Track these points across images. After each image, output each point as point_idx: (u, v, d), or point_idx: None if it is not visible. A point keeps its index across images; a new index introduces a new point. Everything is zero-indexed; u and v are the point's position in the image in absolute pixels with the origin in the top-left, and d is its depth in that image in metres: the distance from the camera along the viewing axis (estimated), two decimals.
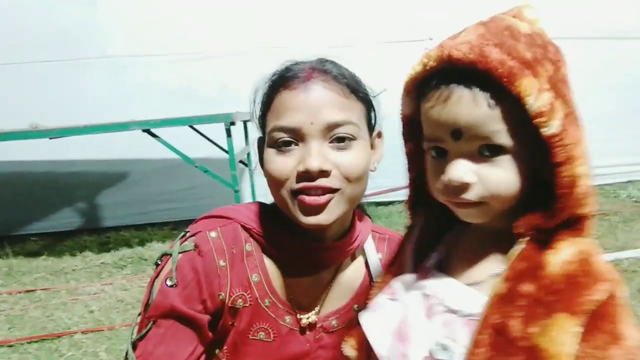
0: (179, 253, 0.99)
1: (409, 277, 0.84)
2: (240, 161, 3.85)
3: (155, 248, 3.93)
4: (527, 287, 0.69)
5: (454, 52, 0.69)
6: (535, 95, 0.67)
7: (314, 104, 0.95)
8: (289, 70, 1.00)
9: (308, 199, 0.93)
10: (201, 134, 3.89)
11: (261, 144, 1.06)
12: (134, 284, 3.28)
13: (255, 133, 1.09)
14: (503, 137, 0.69)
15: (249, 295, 1.03)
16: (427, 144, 0.77)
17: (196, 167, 3.31)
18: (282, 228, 1.04)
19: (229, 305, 1.01)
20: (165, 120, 3.30)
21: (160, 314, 0.96)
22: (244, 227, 1.05)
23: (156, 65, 4.44)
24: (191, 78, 4.40)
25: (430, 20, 4.39)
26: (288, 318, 1.06)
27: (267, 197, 1.07)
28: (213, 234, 1.02)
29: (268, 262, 1.06)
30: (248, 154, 4.14)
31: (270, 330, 1.05)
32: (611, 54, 4.82)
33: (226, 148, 3.53)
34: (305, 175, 0.93)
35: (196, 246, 0.99)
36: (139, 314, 1.01)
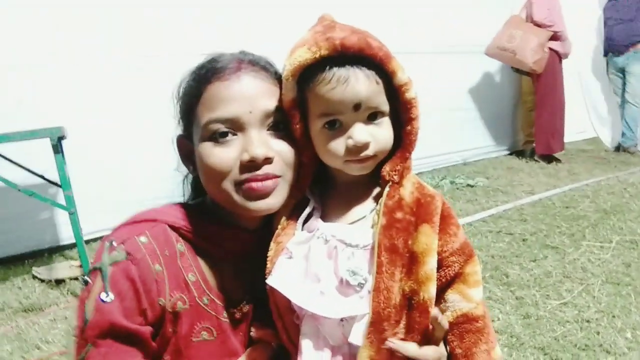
0: (110, 265, 0.93)
1: (302, 236, 1.00)
2: (49, 181, 3.32)
3: None
4: (398, 215, 0.95)
5: (347, 42, 0.90)
6: (401, 71, 0.93)
7: (249, 93, 0.97)
8: (216, 62, 1.01)
9: (256, 184, 0.96)
10: (3, 157, 3.24)
11: (182, 140, 1.08)
12: None
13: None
14: (384, 105, 0.94)
15: (188, 296, 1.01)
16: (321, 119, 0.95)
17: (19, 190, 2.83)
18: (210, 223, 1.05)
19: (170, 310, 0.98)
20: None
21: (98, 333, 0.90)
22: (172, 227, 1.02)
23: None
24: None
25: None
26: (225, 313, 1.06)
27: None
28: (143, 239, 0.98)
29: (201, 260, 1.05)
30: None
31: (212, 329, 1.04)
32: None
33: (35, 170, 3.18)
34: (250, 164, 0.96)
35: (128, 254, 0.95)
36: (74, 338, 0.93)
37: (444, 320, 0.94)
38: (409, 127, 0.97)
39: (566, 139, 6.40)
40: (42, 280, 3.24)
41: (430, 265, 0.93)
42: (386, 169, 0.98)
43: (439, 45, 5.74)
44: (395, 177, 0.97)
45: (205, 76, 0.99)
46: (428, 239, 0.94)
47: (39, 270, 3.35)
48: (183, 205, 1.10)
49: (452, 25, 5.83)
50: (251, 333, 1.07)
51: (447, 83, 5.88)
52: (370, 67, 0.90)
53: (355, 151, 0.93)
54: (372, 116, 0.94)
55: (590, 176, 5.48)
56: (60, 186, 2.99)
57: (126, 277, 0.93)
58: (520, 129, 6.82)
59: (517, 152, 6.76)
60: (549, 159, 6.20)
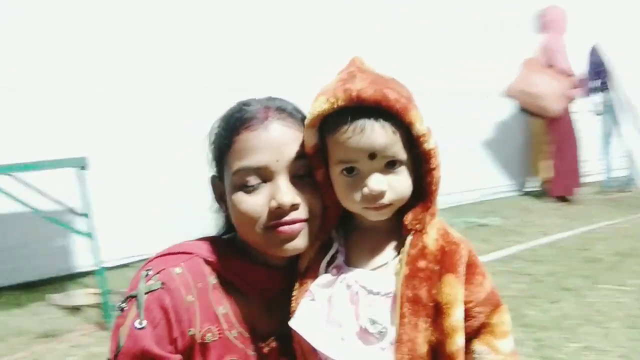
0: (145, 293, 0.97)
1: (325, 278, 1.01)
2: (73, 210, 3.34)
3: None
4: (421, 264, 0.95)
5: (363, 94, 0.91)
6: (419, 122, 0.93)
7: (277, 142, 1.01)
8: (244, 111, 1.04)
9: (283, 228, 1.00)
10: (29, 185, 3.25)
11: (216, 181, 1.12)
12: None
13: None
14: (401, 154, 0.95)
15: (217, 328, 1.03)
16: (339, 166, 0.97)
17: (43, 217, 2.92)
18: (240, 258, 1.08)
19: (199, 341, 1.00)
20: (4, 167, 2.81)
21: (131, 359, 0.93)
22: (205, 261, 1.06)
23: None
24: None
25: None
26: (254, 347, 1.08)
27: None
28: (178, 270, 1.02)
29: (232, 294, 1.07)
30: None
31: None
32: None
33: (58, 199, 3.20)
34: (278, 211, 1.00)
35: (163, 284, 0.98)
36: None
37: None
38: (428, 178, 0.97)
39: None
40: (62, 307, 3.26)
41: (455, 316, 0.92)
42: (408, 217, 0.98)
43: (454, 85, 5.83)
44: (418, 226, 0.98)
45: (235, 126, 1.03)
46: (452, 290, 0.93)
47: (55, 297, 3.37)
48: (216, 240, 1.13)
49: (467, 67, 5.93)
50: None
51: (462, 122, 5.95)
52: (388, 117, 0.91)
53: (371, 199, 0.94)
54: (390, 164, 0.94)
55: (605, 218, 5.46)
56: (83, 215, 3.05)
57: (160, 305, 0.96)
58: (532, 170, 6.84)
59: (529, 193, 6.76)
60: (564, 200, 6.20)
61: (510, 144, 6.79)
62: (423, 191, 0.99)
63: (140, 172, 4.00)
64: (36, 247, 3.79)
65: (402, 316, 0.92)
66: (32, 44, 3.71)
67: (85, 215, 2.97)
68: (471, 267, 0.97)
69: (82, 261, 3.77)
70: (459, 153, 5.86)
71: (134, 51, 4.05)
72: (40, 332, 2.93)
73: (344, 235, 1.06)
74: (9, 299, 3.53)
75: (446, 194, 5.84)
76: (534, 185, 6.82)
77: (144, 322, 0.94)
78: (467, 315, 0.96)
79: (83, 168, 3.00)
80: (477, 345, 0.97)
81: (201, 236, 1.16)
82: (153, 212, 3.94)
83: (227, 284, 1.07)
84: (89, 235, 2.95)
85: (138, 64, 4.05)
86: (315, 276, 1.02)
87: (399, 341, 0.91)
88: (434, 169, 0.96)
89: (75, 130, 3.73)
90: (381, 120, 0.91)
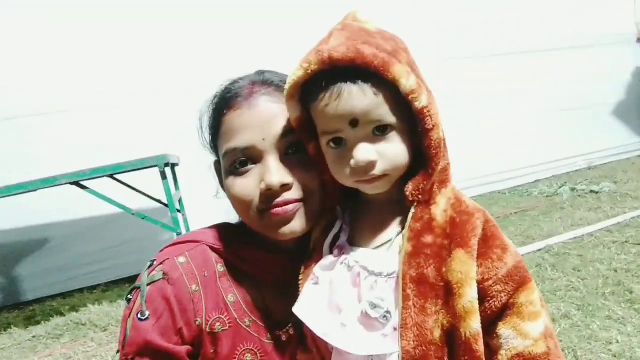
0: (148, 284, 0.96)
1: (327, 260, 0.92)
2: (160, 201, 3.61)
3: (93, 311, 3.58)
4: (427, 239, 0.84)
5: (334, 54, 0.79)
6: (405, 77, 0.80)
7: (261, 119, 0.94)
8: (229, 91, 0.99)
9: (276, 210, 0.94)
10: (123, 183, 3.57)
11: (218, 166, 1.07)
12: (77, 350, 2.96)
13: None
14: (389, 117, 0.82)
15: (227, 318, 1.00)
16: (325, 138, 0.87)
17: (133, 214, 3.10)
18: (251, 244, 1.04)
19: (207, 330, 0.97)
20: (96, 169, 3.05)
21: (135, 351, 0.92)
22: (212, 248, 1.03)
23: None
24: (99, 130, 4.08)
25: None
26: (270, 335, 1.04)
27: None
28: (181, 259, 0.99)
29: (242, 281, 1.03)
30: (180, 200, 3.83)
31: (256, 351, 1.02)
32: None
33: (154, 196, 3.47)
34: (269, 193, 0.94)
35: (165, 274, 0.96)
36: (117, 352, 0.96)
37: None
38: (426, 141, 0.83)
39: None
40: None
41: (468, 297, 0.80)
42: (409, 188, 0.86)
43: (554, 41, 5.38)
44: (421, 197, 0.86)
45: (220, 106, 0.99)
46: (464, 267, 0.80)
47: None
48: (226, 226, 1.10)
49: (567, 20, 5.44)
50: (297, 357, 1.04)
51: (562, 81, 5.47)
52: (368, 76, 0.80)
53: (360, 171, 0.84)
54: (379, 130, 0.83)
55: None
56: (177, 211, 3.26)
57: (162, 296, 0.94)
58: None
59: None
60: None
61: (628, 100, 6.12)
62: (424, 157, 0.85)
63: None
64: (139, 243, 4.11)
65: (405, 298, 0.81)
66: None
67: (171, 209, 3.14)
68: (488, 240, 0.83)
69: None
70: (566, 114, 5.43)
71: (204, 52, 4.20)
72: None
73: (351, 212, 0.97)
74: (117, 291, 3.88)
75: (553, 161, 5.50)
76: None
77: (147, 313, 0.93)
78: (486, 295, 0.82)
79: (167, 165, 3.17)
80: (502, 329, 0.83)
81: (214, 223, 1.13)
82: None
83: (237, 272, 1.03)
84: (174, 229, 3.13)
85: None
86: (319, 258, 0.94)
87: (403, 326, 0.80)
88: (430, 129, 0.82)
89: (160, 130, 3.97)
90: (359, 82, 0.79)
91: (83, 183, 3.03)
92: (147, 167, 3.13)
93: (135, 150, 3.62)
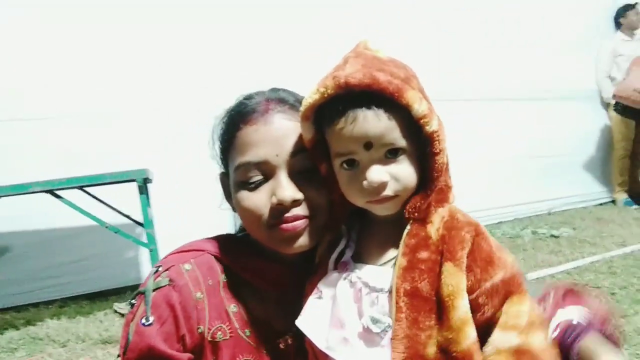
0: (153, 290, 0.96)
1: (331, 275, 0.96)
2: (135, 221, 3.55)
3: (51, 326, 3.45)
4: (422, 255, 0.88)
5: (351, 80, 0.85)
6: (418, 102, 0.86)
7: (276, 135, 0.98)
8: (245, 105, 1.02)
9: (286, 226, 0.97)
10: (93, 197, 3.48)
11: (224, 179, 1.10)
12: None
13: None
14: (400, 141, 0.88)
15: (228, 327, 1.01)
16: (338, 159, 0.92)
17: (106, 227, 3.05)
18: (253, 255, 1.06)
19: (209, 339, 0.99)
20: (72, 179, 3.00)
21: (137, 356, 0.93)
22: (215, 257, 1.05)
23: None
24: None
25: None
26: (269, 346, 1.06)
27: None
28: (187, 267, 1.01)
29: (244, 291, 1.05)
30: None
31: None
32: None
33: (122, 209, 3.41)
34: (279, 207, 0.96)
35: (171, 280, 0.98)
36: (118, 356, 0.97)
37: None
38: (431, 163, 0.90)
39: None
40: (122, 315, 3.40)
41: (462, 309, 0.84)
42: (407, 206, 0.92)
43: (517, 91, 5.61)
44: (417, 215, 0.91)
45: (235, 120, 1.02)
46: (453, 280, 0.85)
47: (120, 306, 3.54)
48: (229, 237, 1.13)
49: (531, 71, 5.69)
50: None
51: (530, 130, 5.69)
52: (382, 102, 0.85)
53: (372, 192, 0.89)
54: (391, 153, 0.89)
55: None
56: (142, 225, 3.19)
57: (167, 302, 0.96)
58: (613, 178, 6.39)
59: (607, 203, 6.33)
60: None
61: (588, 151, 6.40)
62: (426, 178, 0.92)
63: (198, 183, 4.12)
64: (105, 259, 3.98)
65: (398, 310, 0.85)
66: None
67: (146, 226, 3.09)
68: (474, 253, 0.88)
69: (147, 272, 3.92)
70: (528, 161, 5.62)
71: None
72: (102, 338, 3.05)
73: (358, 229, 1.01)
74: (75, 308, 3.73)
75: (516, 204, 5.66)
76: (610, 195, 6.38)
77: (151, 319, 0.94)
78: (472, 307, 0.87)
79: (145, 181, 3.12)
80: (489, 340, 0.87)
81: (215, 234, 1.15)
82: (212, 222, 4.04)
83: (239, 281, 1.05)
84: (148, 245, 3.08)
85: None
86: (324, 273, 0.98)
87: (394, 337, 0.85)
88: (437, 153, 0.89)
89: (135, 144, 3.91)
90: (374, 107, 0.85)
91: (58, 192, 2.97)
92: (126, 181, 3.09)
93: (106, 162, 3.49)
